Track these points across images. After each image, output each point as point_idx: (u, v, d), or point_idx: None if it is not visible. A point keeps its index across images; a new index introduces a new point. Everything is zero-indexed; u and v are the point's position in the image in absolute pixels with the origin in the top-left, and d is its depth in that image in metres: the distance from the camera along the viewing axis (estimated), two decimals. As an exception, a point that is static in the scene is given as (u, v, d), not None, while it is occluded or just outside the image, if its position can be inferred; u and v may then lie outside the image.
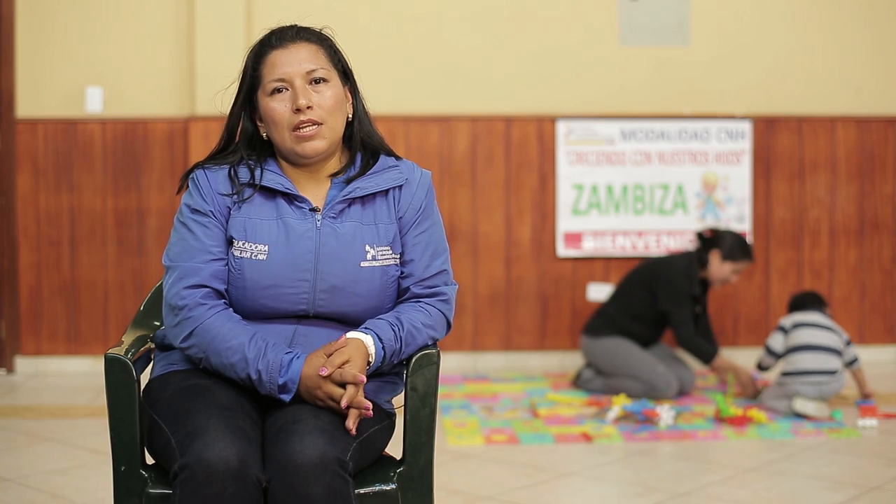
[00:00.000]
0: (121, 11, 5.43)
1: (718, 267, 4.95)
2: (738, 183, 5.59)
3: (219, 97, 2.33)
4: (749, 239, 5.52)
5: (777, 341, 4.64)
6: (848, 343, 4.60)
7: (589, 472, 3.71)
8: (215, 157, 2.20)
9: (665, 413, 4.28)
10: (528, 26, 5.56)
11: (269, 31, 2.20)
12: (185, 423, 1.93)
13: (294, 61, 2.13)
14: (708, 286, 5.06)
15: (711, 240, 4.98)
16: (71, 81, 5.40)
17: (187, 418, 1.94)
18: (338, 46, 2.22)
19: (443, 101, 5.53)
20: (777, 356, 4.65)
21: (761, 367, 4.75)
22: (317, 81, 2.14)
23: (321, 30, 2.22)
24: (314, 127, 2.13)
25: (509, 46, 5.56)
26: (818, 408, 4.37)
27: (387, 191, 2.18)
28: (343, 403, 1.98)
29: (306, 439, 1.89)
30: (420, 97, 5.53)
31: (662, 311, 4.87)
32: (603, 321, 4.96)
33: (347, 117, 2.21)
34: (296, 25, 2.20)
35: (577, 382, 5.00)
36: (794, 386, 4.43)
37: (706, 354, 4.77)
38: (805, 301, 4.80)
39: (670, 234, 5.58)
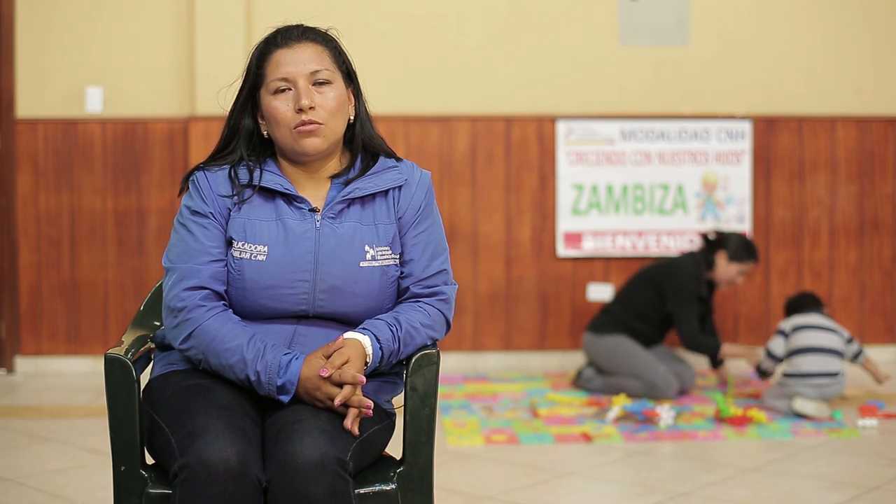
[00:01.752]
0: (121, 11, 5.43)
1: (724, 268, 4.95)
2: (738, 183, 5.59)
3: (221, 94, 2.33)
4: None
5: (777, 345, 4.63)
6: (850, 340, 4.59)
7: (589, 472, 3.71)
8: (215, 158, 2.20)
9: (665, 413, 4.28)
10: (528, 26, 5.56)
11: (274, 29, 2.19)
12: (186, 423, 1.93)
13: (298, 61, 2.13)
14: (714, 288, 5.06)
15: (717, 241, 4.98)
16: (71, 81, 5.39)
17: (187, 418, 1.94)
18: (343, 48, 2.22)
19: (443, 101, 5.53)
20: (778, 360, 4.64)
21: (761, 371, 4.73)
22: (320, 83, 2.14)
23: (327, 31, 2.21)
24: (315, 125, 2.13)
25: (509, 46, 5.55)
26: (818, 408, 4.37)
27: (386, 191, 2.18)
28: (336, 402, 1.98)
29: (306, 439, 1.89)
30: (420, 97, 5.53)
31: (669, 311, 4.87)
32: (608, 319, 4.96)
33: (349, 119, 2.21)
34: (301, 25, 2.20)
35: (578, 381, 4.99)
36: (795, 387, 4.43)
37: (711, 348, 4.77)
38: (802, 303, 4.79)
39: (670, 235, 5.58)
